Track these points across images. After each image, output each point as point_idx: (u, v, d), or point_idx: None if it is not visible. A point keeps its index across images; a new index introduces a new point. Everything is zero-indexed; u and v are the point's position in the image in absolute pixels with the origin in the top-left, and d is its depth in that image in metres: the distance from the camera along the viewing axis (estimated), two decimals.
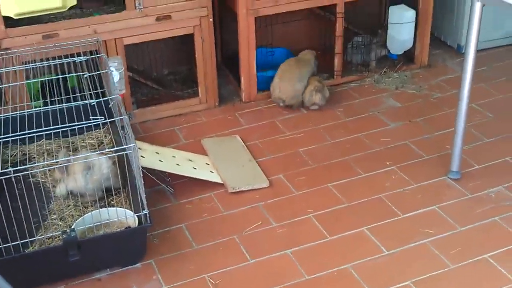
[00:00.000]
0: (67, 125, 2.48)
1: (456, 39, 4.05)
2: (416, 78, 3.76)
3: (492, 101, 3.50)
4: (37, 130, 2.46)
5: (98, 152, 2.66)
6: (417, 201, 2.75)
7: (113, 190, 2.65)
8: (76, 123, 2.49)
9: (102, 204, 2.65)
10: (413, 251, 2.48)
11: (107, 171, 2.61)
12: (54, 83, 3.06)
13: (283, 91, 3.43)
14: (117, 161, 2.73)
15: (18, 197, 2.47)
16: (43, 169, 2.82)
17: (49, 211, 2.68)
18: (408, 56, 3.87)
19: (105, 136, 3.16)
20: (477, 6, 2.55)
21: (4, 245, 2.30)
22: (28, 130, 2.57)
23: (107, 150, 2.56)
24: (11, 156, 2.95)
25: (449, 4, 3.93)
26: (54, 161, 2.63)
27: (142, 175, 2.39)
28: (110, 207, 2.57)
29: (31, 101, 3.16)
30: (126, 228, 2.43)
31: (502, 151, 3.06)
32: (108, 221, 2.46)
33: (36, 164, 2.83)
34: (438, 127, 3.25)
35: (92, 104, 2.60)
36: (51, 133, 2.87)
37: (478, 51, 3.91)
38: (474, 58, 2.67)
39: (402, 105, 3.50)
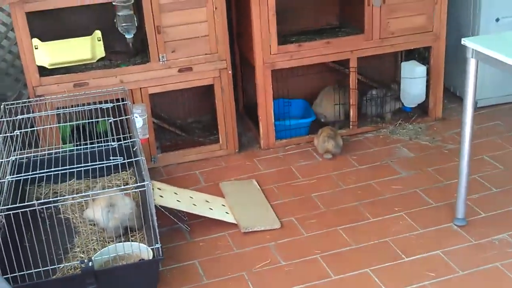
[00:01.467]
0: (87, 164, 2.68)
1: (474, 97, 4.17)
2: (430, 130, 3.89)
3: (504, 154, 3.59)
4: (62, 168, 2.67)
5: (122, 192, 2.84)
6: (422, 246, 2.84)
7: (136, 229, 2.81)
8: (96, 163, 2.70)
9: (123, 240, 2.82)
10: None
11: (129, 212, 2.78)
12: (83, 128, 3.30)
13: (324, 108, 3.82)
14: (140, 202, 2.91)
15: (47, 231, 2.66)
16: (65, 202, 3.00)
17: (73, 245, 2.86)
18: (423, 109, 4.01)
19: (130, 178, 3.36)
20: (472, 62, 2.70)
21: (28, 271, 2.47)
22: (57, 170, 2.78)
23: (123, 187, 2.73)
24: (42, 194, 3.17)
25: (461, 61, 4.06)
26: (77, 195, 2.81)
27: (158, 213, 2.56)
28: (128, 242, 2.74)
29: (62, 144, 3.39)
30: (140, 260, 2.58)
31: (509, 201, 3.14)
32: (124, 254, 2.62)
33: (60, 198, 3.03)
34: (448, 177, 3.36)
35: (113, 146, 2.80)
36: (80, 173, 3.10)
37: (492, 106, 4.15)
38: (473, 112, 2.79)
39: (414, 155, 3.62)
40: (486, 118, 3.99)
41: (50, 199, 2.72)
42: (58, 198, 2.86)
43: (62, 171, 2.73)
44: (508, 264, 2.70)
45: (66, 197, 2.96)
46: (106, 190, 2.83)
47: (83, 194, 2.68)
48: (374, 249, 2.84)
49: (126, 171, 3.38)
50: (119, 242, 2.72)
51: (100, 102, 3.26)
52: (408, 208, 3.11)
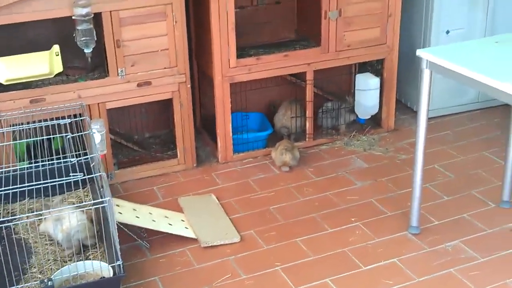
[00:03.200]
0: (48, 181, 2.66)
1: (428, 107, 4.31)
2: (383, 141, 4.00)
3: (454, 163, 3.72)
4: (18, 186, 2.64)
5: (71, 206, 2.83)
6: (379, 254, 2.92)
7: (89, 243, 2.79)
8: (56, 180, 2.68)
9: (80, 258, 2.80)
10: None
11: (77, 224, 2.77)
12: (39, 145, 3.27)
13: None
14: (94, 217, 2.89)
15: (3, 251, 2.62)
16: (19, 221, 2.96)
17: (29, 265, 2.83)
18: (376, 121, 4.12)
19: (86, 195, 3.34)
20: (426, 73, 2.80)
21: None
22: (12, 188, 2.75)
23: (84, 203, 2.72)
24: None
25: (413, 73, 4.21)
26: (31, 214, 2.78)
27: (117, 230, 2.56)
28: (87, 260, 2.72)
29: (17, 162, 3.34)
30: (101, 278, 2.57)
31: (460, 208, 3.26)
32: (84, 272, 2.61)
33: (13, 218, 2.99)
34: (401, 186, 3.45)
35: (72, 162, 2.79)
36: (34, 192, 3.06)
37: (442, 116, 4.29)
38: (426, 121, 2.89)
39: (369, 165, 3.72)
40: (436, 128, 4.12)
41: (4, 219, 2.68)
42: (11, 218, 2.82)
43: (17, 190, 2.69)
44: (462, 269, 2.80)
45: (20, 216, 2.92)
46: (61, 208, 2.81)
47: (37, 212, 2.65)
48: (333, 259, 2.91)
49: (82, 188, 3.35)
50: (79, 260, 2.70)
51: (58, 118, 3.23)
52: (364, 218, 3.19)
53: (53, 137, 3.31)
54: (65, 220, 2.80)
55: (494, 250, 2.92)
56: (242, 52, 3.72)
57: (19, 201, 3.14)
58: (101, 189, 2.86)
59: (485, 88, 2.53)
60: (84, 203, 2.77)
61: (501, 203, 3.26)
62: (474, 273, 2.78)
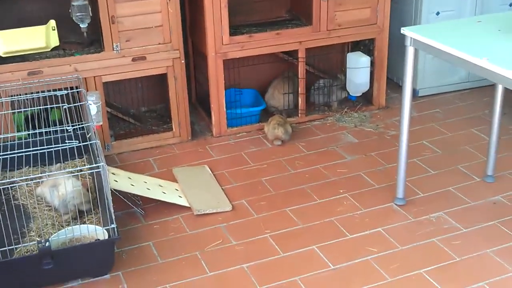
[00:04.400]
0: (44, 147, 2.76)
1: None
2: (374, 118, 4.09)
3: (441, 139, 3.82)
4: (16, 151, 2.74)
5: (65, 171, 2.93)
6: (364, 224, 3.02)
7: (84, 209, 2.89)
8: (53, 146, 2.77)
9: (77, 223, 2.90)
10: (356, 266, 2.74)
11: (72, 190, 2.87)
12: (37, 116, 3.36)
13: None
14: (88, 185, 2.99)
15: (3, 215, 2.72)
16: (17, 184, 3.08)
17: (28, 229, 2.93)
18: (367, 98, 4.21)
19: (83, 165, 3.43)
20: (410, 50, 2.88)
21: None
22: (10, 154, 2.85)
23: (79, 168, 2.81)
24: None
25: (404, 53, 4.28)
26: (28, 177, 2.88)
27: (113, 197, 2.66)
28: (84, 224, 2.83)
29: (16, 132, 3.43)
30: (96, 240, 2.67)
31: (446, 182, 3.35)
32: (80, 235, 2.71)
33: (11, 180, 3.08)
34: (389, 161, 3.55)
35: (68, 131, 2.88)
36: (35, 160, 3.16)
37: (432, 95, 4.39)
38: (411, 98, 2.96)
39: (359, 141, 3.81)
40: (426, 106, 4.22)
41: (4, 181, 2.78)
42: (8, 181, 2.91)
43: (14, 155, 2.79)
44: (444, 239, 2.90)
45: (16, 179, 3.01)
46: (58, 172, 2.91)
47: (32, 176, 2.75)
48: (320, 228, 3.01)
49: (82, 156, 3.45)
50: (76, 225, 2.81)
51: (55, 90, 3.32)
52: (352, 190, 3.29)
53: (51, 109, 3.40)
54: (60, 186, 2.89)
55: (477, 222, 3.02)
56: (235, 30, 3.80)
57: (18, 169, 3.23)
58: (98, 158, 2.95)
59: (462, 64, 2.62)
60: (78, 168, 2.84)
61: (485, 177, 3.36)
62: (456, 242, 2.88)
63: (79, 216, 2.95)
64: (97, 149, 2.72)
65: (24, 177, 3.03)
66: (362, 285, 2.63)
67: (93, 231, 2.74)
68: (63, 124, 3.21)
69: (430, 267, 2.72)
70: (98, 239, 2.67)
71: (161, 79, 3.85)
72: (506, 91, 3.18)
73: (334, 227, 3.01)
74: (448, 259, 2.77)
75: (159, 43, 3.60)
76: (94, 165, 2.65)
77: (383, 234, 2.95)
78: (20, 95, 3.29)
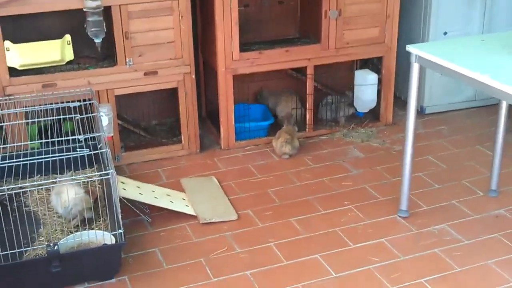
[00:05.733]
0: (55, 155, 2.85)
1: (419, 101, 4.45)
2: (380, 133, 4.15)
3: (447, 155, 3.86)
4: (28, 159, 2.83)
5: (71, 178, 3.04)
6: (368, 235, 3.07)
7: (87, 216, 2.97)
8: (63, 154, 2.87)
9: (84, 229, 2.97)
10: (358, 275, 2.79)
11: (74, 197, 2.94)
12: (50, 127, 3.46)
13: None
14: (97, 192, 3.05)
15: (14, 221, 2.80)
16: (27, 189, 3.18)
17: (38, 235, 3.01)
18: (375, 115, 4.28)
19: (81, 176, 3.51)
20: (415, 67, 2.95)
21: None
22: (24, 166, 2.95)
23: (89, 175, 2.89)
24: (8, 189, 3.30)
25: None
26: (35, 183, 2.97)
27: (121, 205, 2.74)
28: (92, 230, 2.91)
29: (29, 142, 3.53)
30: (103, 244, 2.74)
31: (449, 195, 3.39)
32: (88, 241, 2.79)
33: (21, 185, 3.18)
34: (395, 175, 3.60)
35: (80, 140, 2.97)
36: (46, 169, 3.25)
37: (439, 113, 4.44)
38: (415, 112, 3.02)
39: (365, 155, 3.87)
40: (433, 123, 4.27)
41: (13, 186, 2.87)
42: (16, 186, 3.00)
43: (28, 162, 2.88)
44: (446, 249, 2.94)
45: (25, 184, 3.10)
46: (65, 179, 3.00)
47: (39, 183, 2.83)
48: (324, 237, 3.06)
49: (93, 166, 3.54)
50: (83, 230, 2.88)
51: (68, 102, 3.42)
52: (356, 202, 3.34)
53: (64, 120, 3.49)
54: (63, 194, 2.98)
55: (478, 234, 3.06)
56: (246, 47, 3.90)
57: (30, 177, 3.33)
58: (107, 167, 3.04)
59: (465, 80, 2.69)
60: (87, 175, 2.92)
61: (489, 191, 3.40)
62: (457, 253, 2.92)
63: (88, 223, 3.02)
64: (107, 157, 2.80)
65: (32, 184, 3.11)
66: None
67: (100, 236, 2.81)
68: (75, 132, 3.31)
69: (431, 276, 2.76)
70: (106, 244, 2.74)
71: (172, 93, 3.95)
72: (510, 108, 3.23)
73: (338, 237, 3.06)
74: (449, 270, 2.80)
75: (171, 59, 3.70)
76: (104, 172, 2.73)
77: (385, 245, 2.99)
78: (34, 106, 3.40)
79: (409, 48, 2.97)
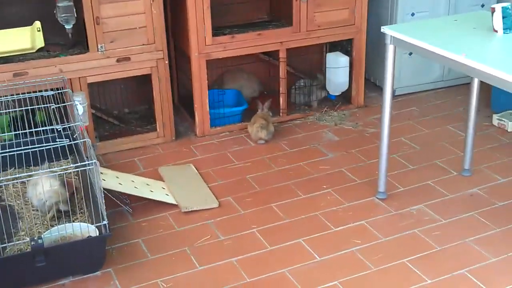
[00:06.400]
0: (31, 147, 2.79)
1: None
2: (353, 116, 4.20)
3: (419, 136, 3.94)
4: (6, 150, 2.77)
5: (47, 170, 2.99)
6: (348, 217, 3.12)
7: (63, 208, 2.92)
8: (40, 145, 2.81)
9: (63, 222, 2.92)
10: (342, 257, 2.83)
11: (48, 189, 2.90)
12: (21, 117, 3.37)
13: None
14: (74, 184, 3.00)
15: None
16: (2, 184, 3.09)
17: (17, 230, 2.95)
18: (346, 98, 4.32)
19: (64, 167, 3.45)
20: (390, 48, 2.99)
21: None
22: None
23: (72, 165, 2.84)
24: None
25: (381, 54, 4.40)
26: (10, 177, 2.91)
27: (103, 194, 2.71)
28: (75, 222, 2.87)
29: (1, 134, 3.45)
30: (88, 237, 2.71)
31: (424, 176, 3.47)
32: (72, 233, 2.75)
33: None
34: (370, 157, 3.66)
35: (58, 130, 2.91)
36: (21, 161, 3.17)
37: (409, 94, 4.51)
38: (391, 94, 3.07)
39: (340, 138, 3.91)
40: (403, 104, 4.34)
41: None
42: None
43: (1, 154, 2.82)
44: (425, 230, 3.01)
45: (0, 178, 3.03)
46: (41, 171, 2.94)
47: (13, 176, 2.77)
48: (305, 222, 3.09)
49: (67, 158, 3.48)
50: (62, 223, 2.84)
51: (40, 91, 3.34)
52: (335, 185, 3.39)
53: (36, 110, 3.42)
54: (38, 186, 2.92)
55: (455, 213, 3.14)
56: (217, 31, 3.87)
57: (3, 171, 3.24)
58: (86, 157, 2.99)
59: (441, 60, 2.74)
60: (70, 166, 2.87)
61: (462, 171, 3.49)
62: (436, 233, 2.99)
63: (65, 215, 2.97)
64: (89, 147, 2.76)
65: (6, 177, 3.04)
66: (348, 275, 2.72)
67: (84, 228, 2.78)
68: (53, 121, 3.24)
69: (412, 256, 2.82)
70: (90, 236, 2.71)
71: (142, 81, 3.91)
72: (481, 89, 3.31)
73: (319, 221, 3.10)
74: (429, 249, 2.88)
75: (143, 44, 3.65)
76: (87, 162, 2.69)
77: (366, 227, 3.05)
78: (6, 96, 3.31)
79: (384, 29, 3.00)
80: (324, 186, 3.38)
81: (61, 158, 3.38)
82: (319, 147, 3.82)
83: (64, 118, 3.24)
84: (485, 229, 3.00)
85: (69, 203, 2.97)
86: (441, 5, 4.37)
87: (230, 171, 3.56)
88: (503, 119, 3.98)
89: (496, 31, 2.83)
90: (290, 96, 4.25)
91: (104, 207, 2.71)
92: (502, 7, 2.78)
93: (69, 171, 3.06)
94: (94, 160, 2.63)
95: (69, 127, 3.19)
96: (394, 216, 3.13)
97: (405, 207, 3.19)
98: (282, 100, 4.10)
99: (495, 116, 4.03)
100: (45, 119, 3.32)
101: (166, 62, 3.73)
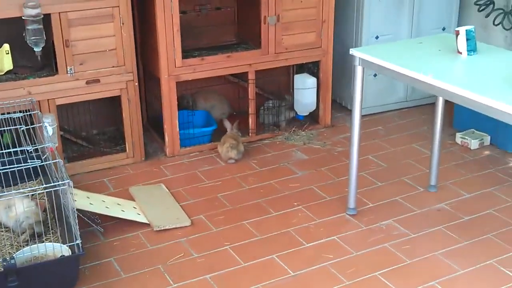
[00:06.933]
0: (6, 167, 2.76)
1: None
2: (321, 136, 4.27)
3: (385, 153, 4.03)
4: None
5: (19, 192, 2.98)
6: (320, 233, 3.16)
7: (37, 229, 2.89)
8: (11, 166, 2.78)
9: (38, 241, 2.89)
10: (315, 272, 2.87)
11: (24, 210, 2.88)
12: None
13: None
14: (45, 204, 2.98)
15: None
16: None
17: None
18: (314, 118, 4.40)
19: (37, 187, 3.42)
20: (358, 69, 3.07)
21: None
22: None
23: (45, 185, 2.82)
24: None
25: (347, 75, 4.53)
26: None
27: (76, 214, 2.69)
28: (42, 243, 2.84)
29: None
30: (61, 256, 2.69)
31: (392, 192, 3.55)
32: (44, 253, 2.72)
33: None
34: (339, 175, 3.72)
35: (29, 151, 2.89)
36: None
37: (374, 114, 4.61)
38: (360, 111, 3.15)
39: (308, 157, 3.98)
40: (369, 124, 4.44)
41: None
42: None
43: None
44: (395, 244, 3.07)
45: None
46: (12, 192, 2.91)
47: None
48: (278, 238, 3.12)
49: (35, 179, 3.45)
50: (41, 242, 2.81)
51: (9, 113, 3.32)
52: (305, 203, 3.43)
53: (3, 132, 3.38)
54: (13, 207, 2.89)
55: (423, 227, 3.21)
56: (186, 53, 3.92)
57: None
58: (55, 178, 2.97)
59: (409, 81, 2.83)
60: (43, 186, 2.84)
61: (429, 187, 3.58)
62: (406, 246, 3.06)
63: (38, 236, 2.93)
64: (61, 167, 2.74)
65: None
66: None
67: (57, 248, 2.75)
68: (15, 147, 3.21)
69: (384, 269, 2.88)
70: (63, 255, 2.68)
71: (111, 102, 3.92)
72: (445, 109, 3.41)
73: (291, 237, 3.13)
74: (400, 262, 2.94)
75: (113, 66, 3.67)
76: (60, 182, 2.67)
77: (338, 242, 3.09)
78: None
79: (352, 51, 3.09)
80: (295, 203, 3.43)
81: (32, 179, 3.36)
82: (288, 165, 3.87)
83: (32, 139, 3.21)
84: (452, 242, 3.08)
85: (42, 224, 2.94)
86: (404, 29, 4.52)
87: (201, 190, 3.57)
88: (466, 137, 4.10)
89: (461, 53, 2.94)
90: (259, 116, 4.31)
91: (77, 226, 2.69)
92: (466, 30, 2.89)
93: (42, 191, 3.02)
94: (68, 180, 2.62)
95: (38, 148, 3.16)
96: (364, 231, 3.18)
97: (375, 222, 3.25)
98: (251, 120, 4.16)
99: (458, 135, 4.16)
100: (13, 140, 3.29)
101: (136, 84, 3.75)
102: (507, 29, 4.35)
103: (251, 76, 4.06)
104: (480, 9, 4.47)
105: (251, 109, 4.13)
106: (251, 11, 4.09)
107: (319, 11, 4.13)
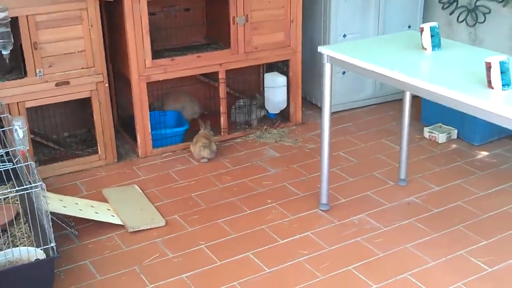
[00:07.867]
0: None
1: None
2: (292, 133, 4.32)
3: (356, 149, 4.09)
4: None
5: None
6: (294, 229, 3.20)
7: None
8: None
9: (12, 245, 2.87)
10: (290, 268, 2.91)
11: None
12: None
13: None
14: (17, 209, 2.95)
15: None
16: None
17: None
18: (285, 116, 4.44)
19: (10, 191, 3.40)
20: (327, 67, 3.12)
21: None
22: None
23: (17, 188, 2.80)
24: None
25: (316, 73, 4.58)
26: None
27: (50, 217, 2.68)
28: (16, 247, 2.82)
29: None
30: (36, 260, 2.67)
31: (364, 187, 3.61)
32: (18, 258, 2.70)
33: None
34: (311, 171, 3.77)
35: (1, 154, 2.87)
36: None
37: (343, 111, 4.68)
38: (330, 108, 3.20)
39: (280, 155, 4.02)
40: (338, 121, 4.50)
41: None
42: None
43: None
44: (367, 237, 3.13)
45: None
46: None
47: None
48: (253, 236, 3.15)
49: (6, 183, 3.42)
50: (15, 246, 2.79)
51: None
52: (279, 200, 3.47)
53: None
54: None
55: (395, 221, 3.28)
56: (156, 54, 3.92)
57: None
58: (27, 182, 2.95)
59: (376, 76, 2.89)
60: (17, 188, 2.82)
61: (399, 181, 3.65)
62: (378, 240, 3.11)
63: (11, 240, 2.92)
64: (33, 170, 2.73)
65: None
66: (297, 284, 2.79)
67: (32, 252, 2.73)
68: None
69: (357, 263, 2.93)
70: (38, 259, 2.67)
71: (81, 104, 3.90)
72: (412, 104, 3.49)
73: (266, 234, 3.17)
74: (373, 256, 2.99)
75: (83, 68, 3.66)
76: (33, 185, 2.66)
77: (311, 238, 3.14)
78: None
79: (321, 49, 3.14)
80: (269, 201, 3.46)
81: (4, 183, 3.33)
82: (261, 163, 3.90)
83: (4, 143, 3.19)
84: (423, 235, 3.15)
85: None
86: (370, 27, 4.59)
87: (175, 190, 3.58)
88: (434, 131, 4.19)
89: (425, 49, 3.01)
90: (230, 115, 4.33)
91: (52, 229, 2.68)
92: (431, 27, 2.97)
93: (14, 194, 3.00)
94: (40, 183, 2.61)
95: (9, 151, 3.14)
96: (337, 226, 3.23)
97: (347, 217, 3.30)
98: (223, 119, 4.18)
99: (426, 129, 4.24)
100: None
101: (106, 85, 3.74)
102: (470, 26, 4.45)
103: (222, 75, 4.08)
104: (444, 7, 4.58)
105: (223, 108, 4.15)
106: (220, 11, 4.12)
107: (287, 11, 4.17)
